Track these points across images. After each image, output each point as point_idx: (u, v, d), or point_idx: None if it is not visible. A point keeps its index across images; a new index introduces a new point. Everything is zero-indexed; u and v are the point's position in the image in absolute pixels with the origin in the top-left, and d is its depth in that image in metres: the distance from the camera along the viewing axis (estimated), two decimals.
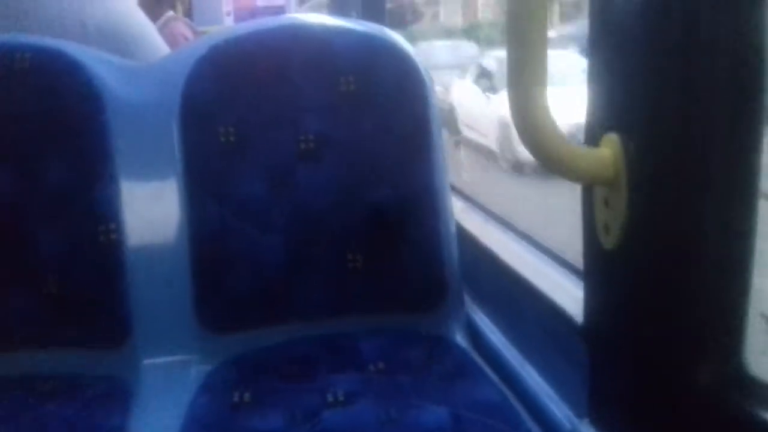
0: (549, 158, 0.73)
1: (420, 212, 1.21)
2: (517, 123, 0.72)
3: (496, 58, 9.09)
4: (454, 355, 1.13)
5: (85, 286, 1.13)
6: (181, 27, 3.79)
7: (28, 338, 1.14)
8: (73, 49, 1.17)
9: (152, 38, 1.48)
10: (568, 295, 0.96)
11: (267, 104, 1.18)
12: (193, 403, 1.02)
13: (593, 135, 0.77)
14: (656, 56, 0.67)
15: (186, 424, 0.97)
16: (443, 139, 1.25)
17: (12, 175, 1.12)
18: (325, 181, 1.19)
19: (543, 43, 0.70)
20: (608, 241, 0.76)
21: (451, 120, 9.36)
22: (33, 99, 1.13)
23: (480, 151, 8.79)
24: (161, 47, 1.49)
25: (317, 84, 1.19)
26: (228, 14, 4.62)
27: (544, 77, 0.70)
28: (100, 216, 1.12)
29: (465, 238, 1.28)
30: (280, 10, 4.44)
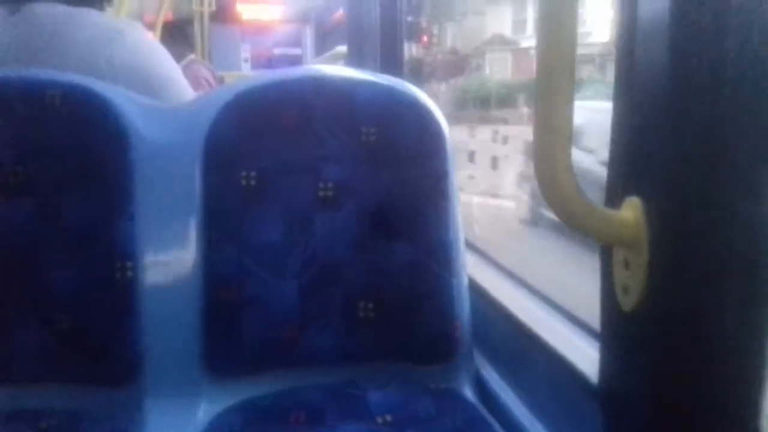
0: (570, 217, 0.74)
1: (433, 265, 1.22)
2: (541, 181, 0.73)
3: None
4: (463, 410, 1.12)
5: (97, 322, 1.13)
6: (203, 70, 3.89)
7: (36, 373, 1.13)
8: (102, 87, 1.19)
9: (178, 80, 1.50)
10: (582, 354, 0.96)
11: (289, 152, 1.20)
12: None
13: (614, 197, 0.78)
14: (681, 124, 0.69)
15: None
16: (458, 193, 1.26)
17: (33, 208, 1.13)
18: (341, 230, 1.19)
19: (570, 103, 0.71)
20: (627, 303, 0.76)
21: None
22: (60, 135, 1.15)
23: None
24: (186, 89, 1.52)
25: (339, 134, 1.21)
26: (245, 60, 4.73)
27: (569, 138, 0.72)
28: (117, 253, 1.13)
29: (477, 293, 1.28)
30: (296, 59, 4.54)
